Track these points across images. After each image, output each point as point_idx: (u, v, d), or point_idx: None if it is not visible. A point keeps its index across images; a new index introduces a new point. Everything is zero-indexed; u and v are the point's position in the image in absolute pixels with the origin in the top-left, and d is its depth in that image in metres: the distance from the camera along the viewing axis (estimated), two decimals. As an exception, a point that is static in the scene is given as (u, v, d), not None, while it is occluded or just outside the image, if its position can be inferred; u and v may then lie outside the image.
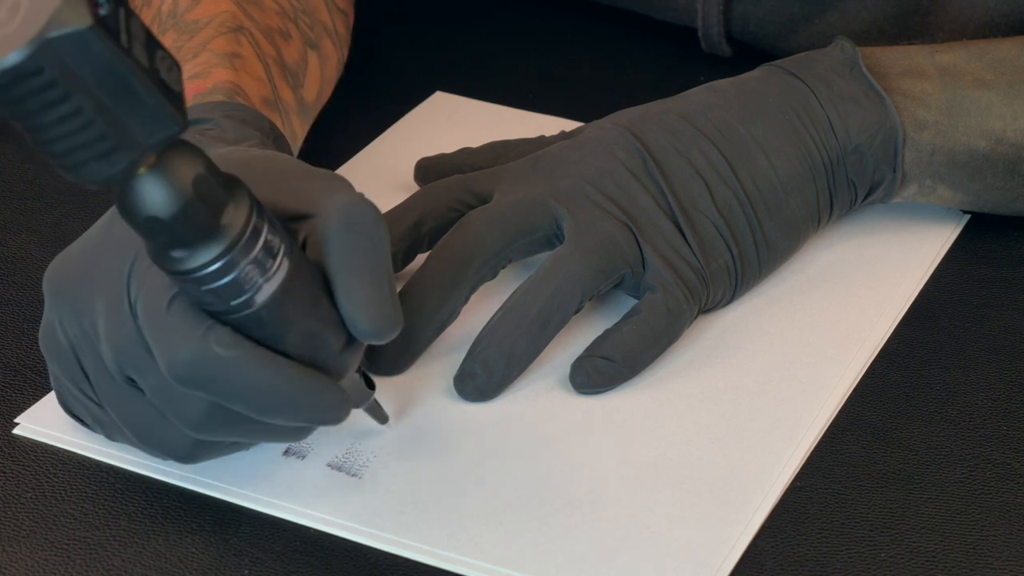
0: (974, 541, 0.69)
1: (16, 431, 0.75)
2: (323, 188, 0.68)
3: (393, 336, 0.67)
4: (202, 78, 0.80)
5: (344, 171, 0.92)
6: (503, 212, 0.78)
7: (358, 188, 0.69)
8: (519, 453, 0.73)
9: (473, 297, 0.78)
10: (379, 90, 1.00)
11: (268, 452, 0.73)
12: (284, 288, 0.64)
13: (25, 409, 0.76)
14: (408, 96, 0.99)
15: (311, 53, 0.90)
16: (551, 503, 0.71)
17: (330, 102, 0.93)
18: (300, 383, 0.65)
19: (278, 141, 0.79)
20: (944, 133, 0.82)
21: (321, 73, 0.90)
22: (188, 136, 0.76)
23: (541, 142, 0.85)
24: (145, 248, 0.63)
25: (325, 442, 0.74)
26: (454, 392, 0.76)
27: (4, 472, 0.73)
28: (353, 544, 0.69)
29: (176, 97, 0.59)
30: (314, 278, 0.66)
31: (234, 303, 0.63)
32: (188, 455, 0.69)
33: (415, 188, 0.89)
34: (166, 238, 0.61)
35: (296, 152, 0.85)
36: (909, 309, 0.82)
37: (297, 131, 0.86)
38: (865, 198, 0.83)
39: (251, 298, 0.63)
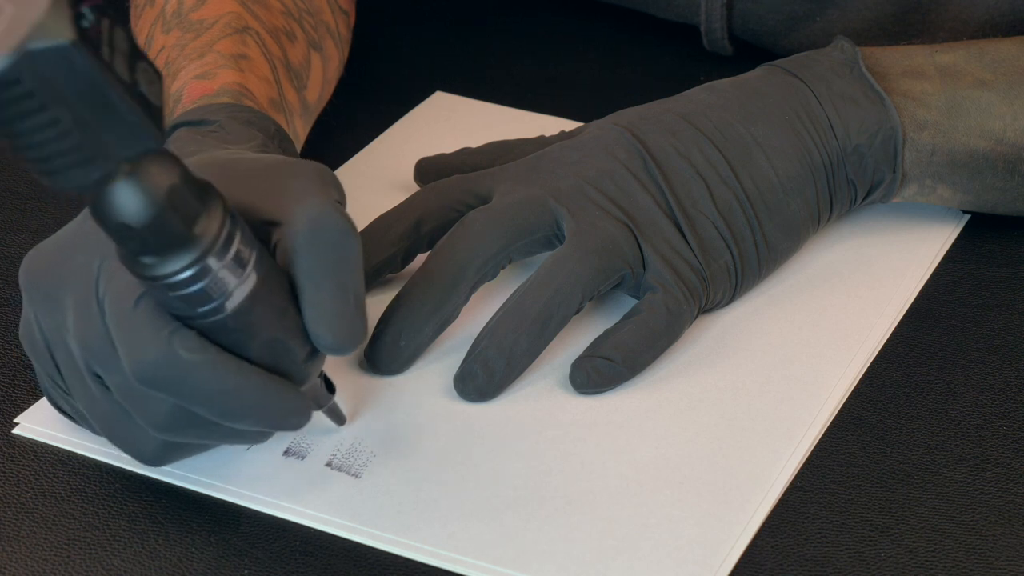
0: (974, 541, 0.69)
1: (16, 431, 0.75)
2: (298, 194, 0.68)
3: (355, 350, 0.67)
4: (209, 79, 0.80)
5: (344, 171, 0.92)
6: (503, 212, 0.78)
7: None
8: (519, 453, 0.73)
9: (473, 297, 0.78)
10: (379, 90, 1.00)
11: (268, 452, 0.73)
12: (252, 298, 0.64)
13: (25, 409, 0.76)
14: (408, 96, 0.99)
15: (314, 54, 0.90)
16: (551, 503, 0.71)
17: (330, 102, 0.93)
18: (263, 389, 0.65)
19: (283, 142, 0.78)
20: (944, 133, 0.82)
21: (323, 74, 0.90)
22: (187, 136, 0.76)
23: (541, 142, 0.85)
24: (115, 250, 0.63)
25: (325, 442, 0.74)
26: (454, 392, 0.76)
27: (4, 472, 0.73)
28: (353, 544, 0.69)
29: (155, 111, 0.59)
30: (282, 288, 0.66)
31: (201, 310, 0.64)
32: (155, 456, 0.69)
33: (415, 188, 0.89)
34: (137, 245, 0.62)
35: (299, 154, 0.85)
36: (909, 309, 0.82)
37: (299, 132, 0.86)
38: (865, 198, 0.83)
39: (219, 306, 0.64)
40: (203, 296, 0.63)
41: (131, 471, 0.73)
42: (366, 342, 0.67)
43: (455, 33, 1.07)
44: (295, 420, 0.67)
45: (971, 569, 0.68)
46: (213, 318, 0.64)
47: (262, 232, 0.67)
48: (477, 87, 1.00)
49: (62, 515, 0.71)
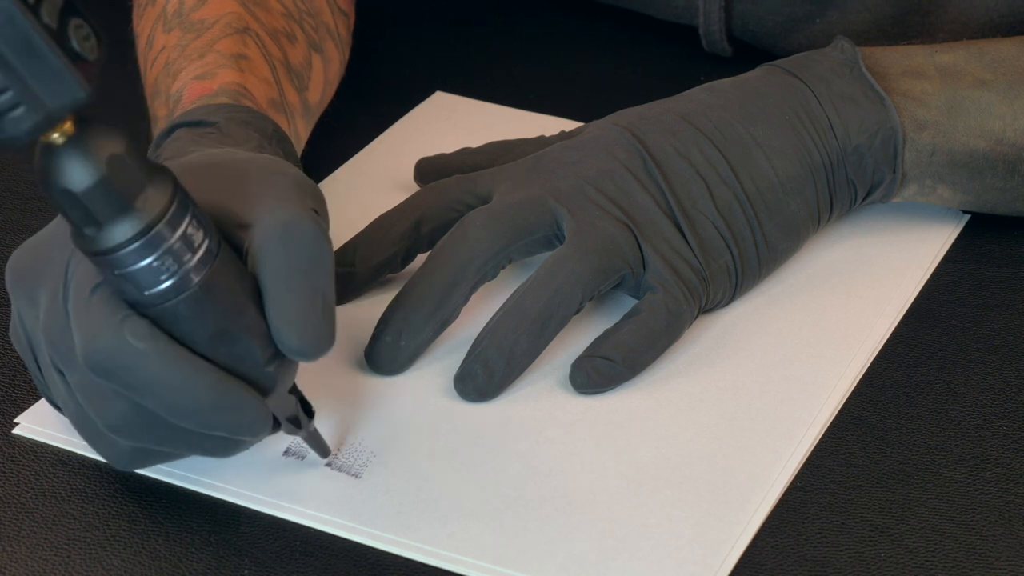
0: (974, 541, 0.69)
1: (16, 431, 0.75)
2: (272, 199, 0.67)
3: (322, 355, 0.66)
4: (208, 79, 0.80)
5: (344, 171, 0.92)
6: (503, 212, 0.78)
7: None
8: (519, 453, 0.73)
9: (473, 297, 0.78)
10: (379, 90, 1.00)
11: (268, 452, 0.73)
12: (205, 287, 0.64)
13: (25, 409, 0.76)
14: (408, 96, 0.99)
15: (315, 55, 0.90)
16: (551, 503, 0.71)
17: (331, 103, 0.93)
18: (214, 386, 0.64)
19: (282, 143, 0.78)
20: (944, 133, 0.82)
21: (324, 75, 0.90)
22: (186, 137, 0.76)
23: (541, 142, 0.85)
24: (70, 231, 0.63)
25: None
26: (454, 392, 0.76)
27: (4, 472, 0.73)
28: (353, 544, 0.69)
29: (88, 66, 0.59)
30: (243, 285, 0.65)
31: (148, 293, 0.63)
32: (126, 459, 0.69)
33: (415, 188, 0.89)
34: (79, 214, 0.62)
35: (299, 154, 0.85)
36: (909, 309, 0.82)
37: (301, 133, 0.86)
38: (865, 198, 0.83)
39: (166, 290, 0.63)
40: (148, 275, 0.63)
41: (131, 471, 0.73)
42: (330, 350, 0.66)
43: (455, 33, 1.07)
44: (251, 425, 0.65)
45: (971, 569, 0.68)
46: (163, 304, 0.64)
47: (235, 235, 0.67)
48: (477, 87, 1.00)
49: (62, 515, 0.71)
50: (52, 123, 0.59)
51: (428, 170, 0.89)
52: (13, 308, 0.70)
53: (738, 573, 0.68)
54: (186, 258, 0.63)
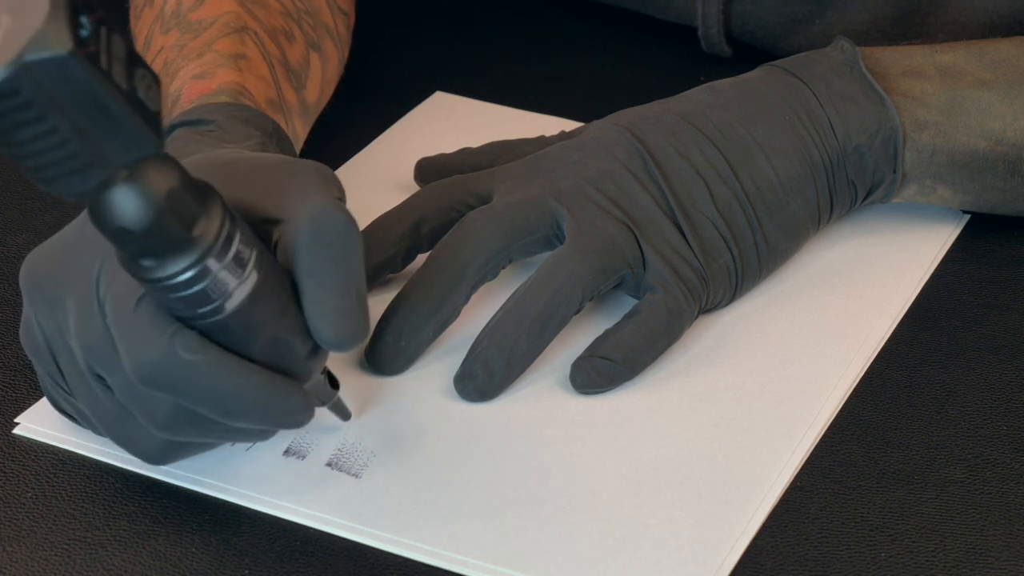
0: (974, 541, 0.69)
1: (16, 431, 0.75)
2: (299, 192, 0.68)
3: (358, 346, 0.67)
4: (207, 78, 0.80)
5: (344, 171, 0.92)
6: (503, 212, 0.78)
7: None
8: (519, 453, 0.73)
9: (473, 297, 0.78)
10: (379, 90, 1.00)
11: (268, 452, 0.73)
12: (252, 298, 0.64)
13: (25, 409, 0.76)
14: (408, 96, 0.99)
15: (313, 54, 0.90)
16: (551, 503, 0.71)
17: (330, 102, 0.93)
18: (264, 388, 0.65)
19: (282, 142, 0.79)
20: (944, 133, 0.82)
21: (323, 74, 0.90)
22: (186, 136, 0.76)
23: (541, 142, 0.85)
24: (115, 253, 0.63)
25: (325, 442, 0.74)
26: (454, 392, 0.76)
27: (4, 472, 0.73)
28: (353, 544, 0.69)
29: (153, 117, 0.59)
30: (283, 286, 0.66)
31: (201, 311, 0.64)
32: (158, 455, 0.69)
33: (415, 188, 0.89)
34: (136, 248, 0.62)
35: (297, 154, 0.85)
36: (909, 309, 0.82)
37: (299, 132, 0.86)
38: (865, 198, 0.83)
39: (219, 306, 0.64)
40: (203, 297, 0.63)
41: (131, 471, 0.73)
42: (367, 339, 0.67)
43: (455, 33, 1.07)
44: (297, 418, 0.67)
45: (971, 569, 0.68)
46: (214, 318, 0.64)
47: (262, 231, 0.68)
48: (477, 87, 1.00)
49: (62, 515, 0.71)
50: (119, 175, 0.59)
51: (428, 170, 0.89)
52: (26, 311, 0.70)
53: (738, 573, 0.68)
54: (237, 274, 0.64)
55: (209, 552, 0.69)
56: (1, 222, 0.90)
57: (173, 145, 0.76)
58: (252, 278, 0.64)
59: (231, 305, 0.64)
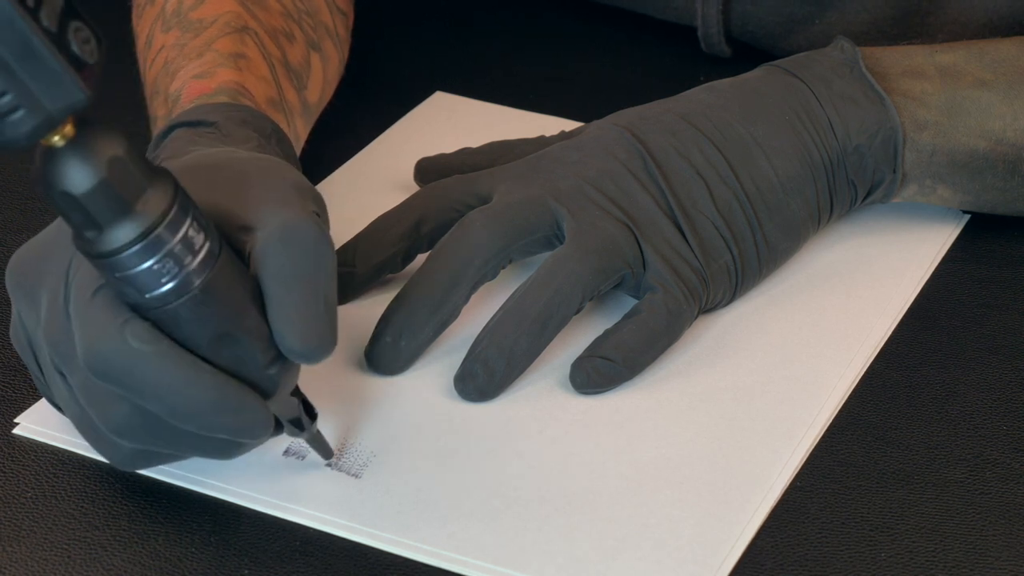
0: (974, 541, 0.69)
1: (16, 431, 0.75)
2: (275, 203, 0.67)
3: (324, 357, 0.66)
4: (207, 78, 0.80)
5: (344, 171, 0.92)
6: (503, 212, 0.78)
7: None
8: (519, 453, 0.73)
9: (473, 297, 0.78)
10: (379, 90, 1.00)
11: (268, 452, 0.73)
12: (206, 289, 0.64)
13: (25, 409, 0.76)
14: (408, 96, 0.99)
15: (314, 54, 0.90)
16: (551, 503, 0.71)
17: (330, 102, 0.93)
18: (215, 388, 0.64)
19: (281, 142, 0.78)
20: (944, 133, 0.82)
21: (323, 74, 0.90)
22: (185, 136, 0.76)
23: (541, 142, 0.85)
24: (71, 235, 0.63)
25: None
26: (454, 392, 0.76)
27: (4, 472, 0.73)
28: (353, 544, 0.69)
29: (87, 69, 0.59)
30: (245, 288, 0.65)
31: (149, 296, 0.63)
32: (127, 460, 0.69)
33: (415, 188, 0.89)
34: (80, 217, 0.62)
35: (298, 154, 0.85)
36: (909, 309, 0.82)
37: (300, 132, 0.86)
38: (865, 198, 0.83)
39: (167, 293, 0.63)
40: (149, 279, 0.63)
41: (133, 471, 0.73)
42: (332, 352, 0.66)
43: (455, 33, 1.07)
44: (254, 429, 0.65)
45: (971, 569, 0.68)
46: (165, 307, 0.64)
47: (237, 238, 0.67)
48: (477, 87, 1.00)
49: (62, 515, 0.71)
50: (52, 126, 0.59)
51: (428, 170, 0.89)
52: (13, 309, 0.70)
53: (738, 573, 0.68)
54: (187, 261, 0.63)
55: (209, 552, 0.69)
56: (1, 222, 0.90)
57: (172, 145, 0.76)
58: (207, 268, 0.64)
59: (181, 293, 0.63)
